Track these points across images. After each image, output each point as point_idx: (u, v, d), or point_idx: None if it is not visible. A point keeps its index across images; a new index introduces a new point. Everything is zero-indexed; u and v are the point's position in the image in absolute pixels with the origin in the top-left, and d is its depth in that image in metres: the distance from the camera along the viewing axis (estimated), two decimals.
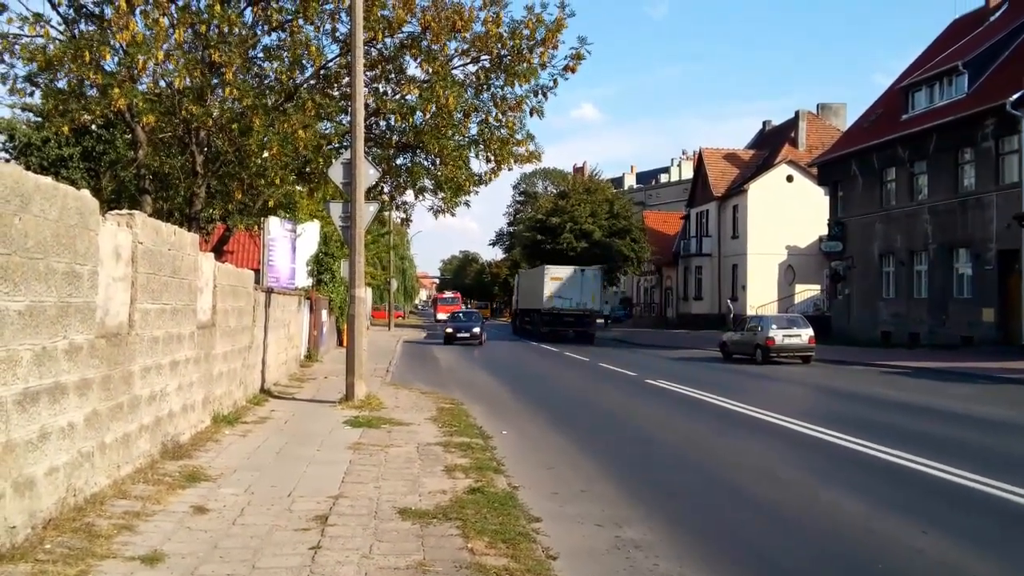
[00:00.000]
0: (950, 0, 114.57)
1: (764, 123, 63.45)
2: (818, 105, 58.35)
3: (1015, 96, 27.76)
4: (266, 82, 15.95)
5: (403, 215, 22.01)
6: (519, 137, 17.06)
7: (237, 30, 14.81)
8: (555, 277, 42.75)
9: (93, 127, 18.65)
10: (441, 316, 67.14)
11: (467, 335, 39.15)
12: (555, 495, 8.43)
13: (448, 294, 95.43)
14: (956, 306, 31.92)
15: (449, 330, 40.22)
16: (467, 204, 19.01)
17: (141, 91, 14.02)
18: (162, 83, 14.65)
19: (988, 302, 30.04)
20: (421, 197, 18.95)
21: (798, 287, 50.30)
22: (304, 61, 15.65)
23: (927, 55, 39.42)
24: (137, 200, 15.71)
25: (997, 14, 36.22)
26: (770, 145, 57.69)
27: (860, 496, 8.57)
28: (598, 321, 45.58)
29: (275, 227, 20.75)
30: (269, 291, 16.53)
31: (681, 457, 11.10)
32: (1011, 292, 28.87)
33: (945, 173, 32.66)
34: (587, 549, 6.62)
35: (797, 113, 55.61)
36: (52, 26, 14.20)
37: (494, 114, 17.03)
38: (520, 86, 16.47)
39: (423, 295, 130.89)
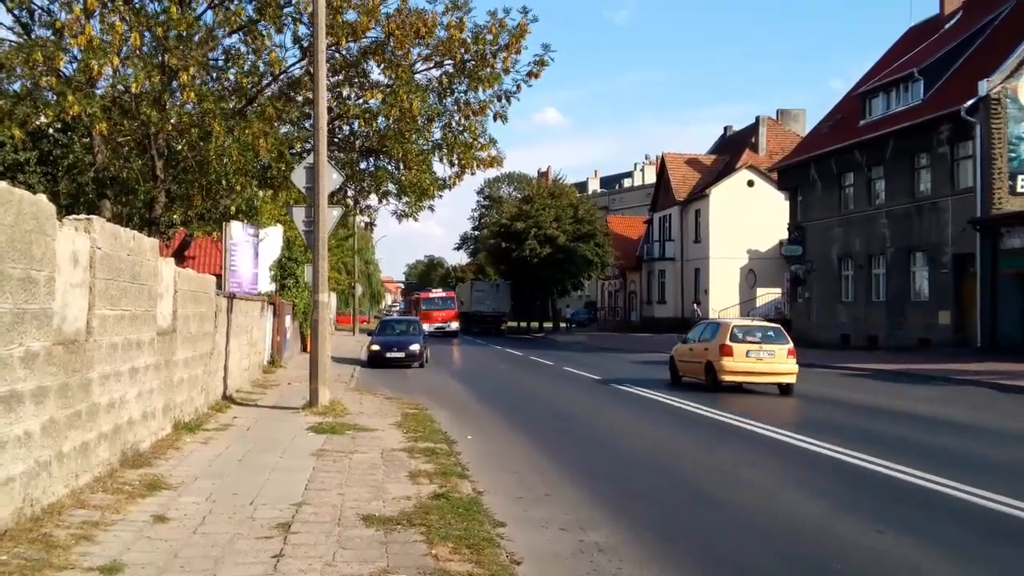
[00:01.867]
0: (906, 8, 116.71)
1: (725, 128, 64.14)
2: (778, 111, 59.16)
3: (969, 102, 28.34)
4: (227, 85, 15.81)
5: (367, 219, 21.94)
6: (482, 142, 17.08)
7: (196, 33, 14.67)
8: (479, 290, 64.15)
9: (50, 131, 18.34)
10: (426, 328, 37.39)
11: (400, 355, 26.65)
12: (520, 499, 8.44)
13: (437, 293, 61.99)
14: (913, 309, 32.48)
15: (375, 347, 27.26)
16: (431, 209, 18.99)
17: (98, 96, 13.83)
18: (120, 88, 14.46)
19: (944, 305, 30.61)
20: (385, 201, 18.89)
21: (759, 290, 50.87)
22: (264, 66, 15.54)
23: (884, 62, 40.11)
24: (95, 205, 15.47)
25: (952, 21, 36.95)
26: (731, 150, 58.33)
27: (819, 497, 8.70)
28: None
29: (237, 232, 20.56)
30: (231, 296, 16.38)
31: (644, 460, 11.16)
32: (966, 295, 29.44)
33: (902, 178, 33.24)
34: (551, 553, 6.64)
35: (758, 119, 56.33)
36: (5, 27, 13.99)
37: (457, 119, 17.04)
38: (484, 91, 16.50)
39: (388, 299, 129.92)
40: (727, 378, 18.51)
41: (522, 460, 10.85)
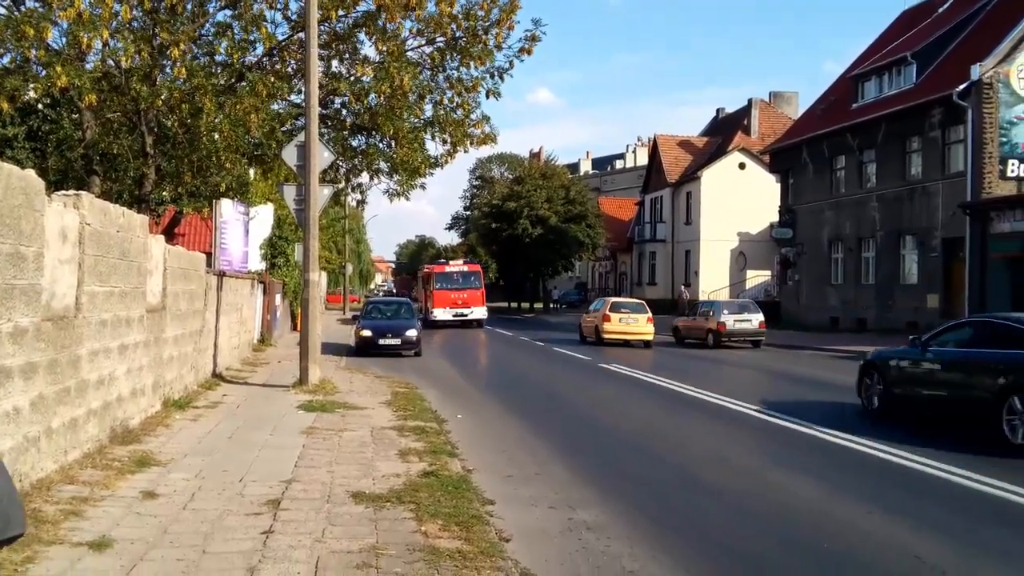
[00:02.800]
0: None
1: (718, 110, 64.01)
2: (770, 93, 59.01)
3: (961, 87, 28.31)
4: (217, 59, 15.68)
5: (358, 198, 21.83)
6: (475, 119, 17.00)
7: (188, 4, 14.54)
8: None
9: (39, 106, 18.18)
10: (440, 314, 39.16)
11: (395, 341, 23.63)
12: (509, 478, 8.49)
13: (456, 266, 43.76)
14: (902, 292, 32.60)
15: (366, 333, 24.02)
16: (423, 187, 18.88)
17: (87, 70, 13.71)
18: (110, 62, 14.34)
19: (933, 288, 30.73)
20: (376, 179, 18.81)
21: (749, 273, 50.96)
22: (254, 39, 15.41)
23: (877, 45, 40.02)
24: (85, 181, 15.37)
25: (946, 5, 36.83)
26: (723, 132, 58.24)
27: (807, 478, 8.77)
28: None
29: (227, 210, 20.49)
30: (221, 274, 16.33)
31: (634, 440, 11.22)
32: (955, 279, 29.56)
33: (893, 162, 33.27)
34: (540, 531, 6.69)
35: (750, 101, 56.19)
36: None
37: (450, 96, 16.95)
38: (476, 67, 16.41)
39: (379, 279, 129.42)
40: (607, 337, 27.57)
41: (512, 439, 10.89)
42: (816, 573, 6.02)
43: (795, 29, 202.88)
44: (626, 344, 27.71)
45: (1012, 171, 28.05)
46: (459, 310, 39.33)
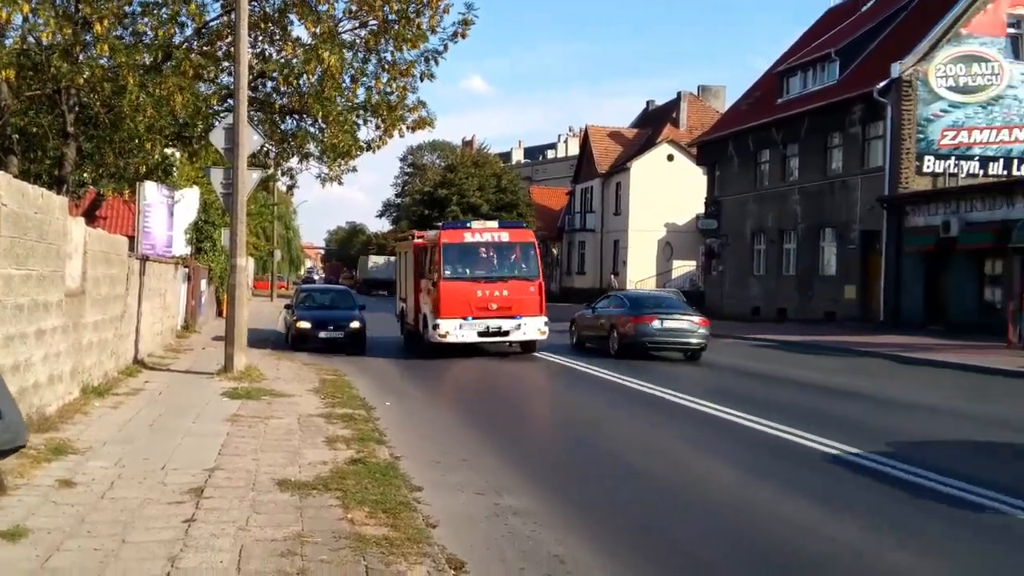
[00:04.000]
0: None
1: (648, 103, 64.71)
2: (699, 87, 59.91)
3: (881, 84, 29.19)
4: (143, 40, 15.26)
5: (288, 182, 21.47)
6: (410, 103, 16.92)
7: None
8: (375, 262, 74.72)
9: None
10: (450, 329, 19.17)
11: (338, 334, 20.91)
12: (437, 464, 8.52)
13: (489, 232, 20.37)
14: (821, 283, 33.55)
15: (304, 325, 20.94)
16: (354, 170, 18.78)
17: (6, 46, 13.23)
18: (30, 38, 13.85)
19: (851, 280, 31.70)
20: (307, 163, 18.59)
21: (675, 263, 51.79)
22: (184, 18, 15.06)
23: (802, 42, 40.97)
24: (2, 161, 14.83)
25: (868, 4, 37.88)
26: (653, 124, 58.93)
27: (731, 464, 9.00)
28: None
29: (152, 193, 20.02)
30: (144, 258, 15.96)
31: (561, 427, 11.36)
32: (871, 271, 30.55)
33: (816, 156, 34.14)
34: (467, 516, 6.74)
35: (679, 94, 56.99)
36: None
37: (385, 79, 16.82)
38: (409, 51, 16.33)
39: (308, 264, 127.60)
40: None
41: (440, 426, 10.93)
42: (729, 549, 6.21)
43: (724, 24, 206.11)
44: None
45: (928, 167, 29.07)
46: (493, 322, 19.36)
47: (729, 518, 6.94)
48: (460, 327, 18.84)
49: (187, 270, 23.51)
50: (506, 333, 19.25)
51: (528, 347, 19.93)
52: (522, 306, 19.23)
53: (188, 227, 25.76)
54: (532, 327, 19.25)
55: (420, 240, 22.09)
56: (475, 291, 19.01)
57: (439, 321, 18.76)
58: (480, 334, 19.11)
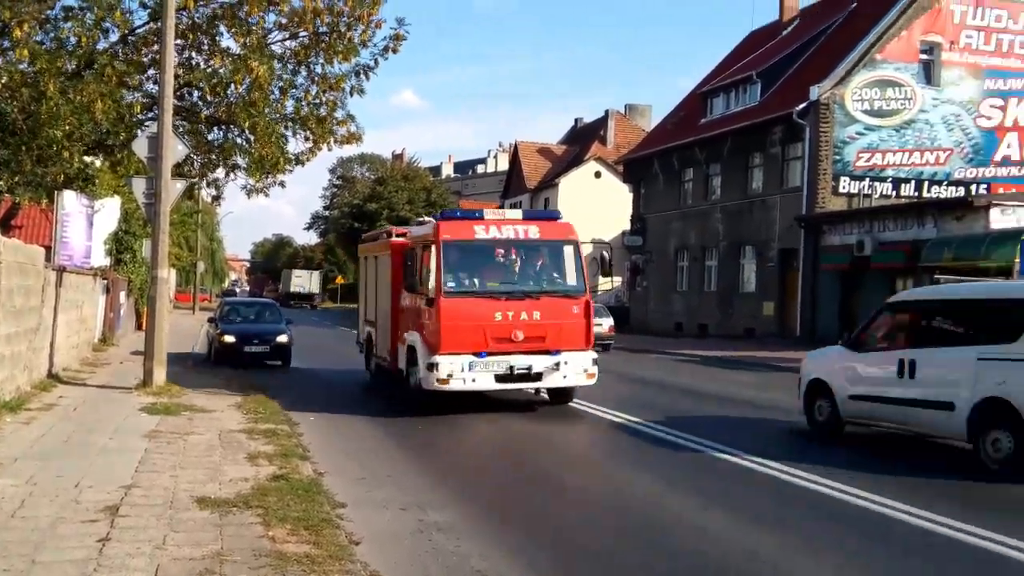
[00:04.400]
0: (748, 12, 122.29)
1: (576, 120, 65.54)
2: (626, 105, 61.01)
3: (800, 106, 30.12)
4: (66, 46, 14.89)
5: (213, 193, 21.11)
6: (339, 117, 16.85)
7: None
8: (297, 275, 77.52)
9: None
10: (453, 372, 12.63)
11: (263, 348, 20.54)
12: (361, 481, 8.50)
13: (509, 221, 13.73)
14: (741, 300, 34.35)
15: (229, 339, 20.39)
16: (282, 185, 18.56)
17: None
18: None
19: (770, 297, 32.53)
20: (233, 175, 18.35)
21: (602, 279, 52.35)
22: (109, 24, 14.76)
23: (726, 63, 42.00)
24: None
25: (789, 28, 39.10)
26: (581, 142, 59.69)
27: (649, 475, 9.16)
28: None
29: (70, 202, 19.51)
30: (61, 269, 15.51)
31: (485, 441, 11.41)
32: (789, 288, 31.40)
33: (737, 175, 34.98)
34: (391, 533, 6.74)
35: (607, 112, 57.90)
36: None
37: (314, 92, 16.72)
38: (340, 64, 16.28)
39: (232, 276, 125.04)
40: None
41: (365, 442, 10.88)
42: (646, 560, 6.34)
43: (653, 45, 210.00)
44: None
45: (844, 187, 30.05)
46: (520, 359, 13.03)
47: (651, 526, 7.07)
48: (470, 367, 12.60)
49: (106, 282, 22.92)
50: (538, 376, 13.00)
51: (562, 396, 14.07)
52: (561, 335, 12.98)
53: (108, 237, 25.13)
54: (576, 366, 13.05)
55: (401, 239, 15.65)
56: (492, 312, 12.74)
57: (438, 358, 12.53)
58: (500, 378, 12.79)
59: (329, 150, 17.28)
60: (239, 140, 17.48)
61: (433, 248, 12.96)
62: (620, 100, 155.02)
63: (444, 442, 11.26)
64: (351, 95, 16.51)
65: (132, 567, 5.27)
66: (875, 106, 30.18)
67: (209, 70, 16.15)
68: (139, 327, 28.12)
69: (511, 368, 12.75)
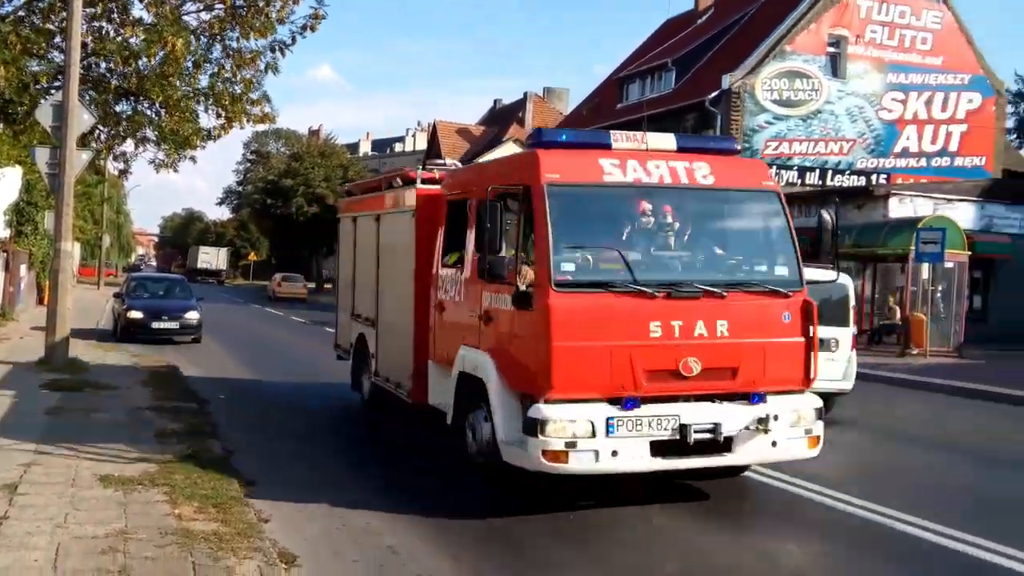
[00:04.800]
0: (665, 0, 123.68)
1: (495, 101, 65.50)
2: (544, 88, 61.15)
3: (713, 94, 30.79)
4: None
5: (121, 166, 20.45)
6: (254, 96, 16.52)
7: None
8: (205, 252, 77.60)
9: None
10: (577, 424, 6.48)
11: (172, 325, 20.18)
12: (270, 458, 8.47)
13: (627, 157, 7.23)
14: None
15: (135, 314, 19.98)
16: (193, 160, 18.10)
17: None
18: None
19: None
20: (142, 148, 17.87)
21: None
22: None
23: (642, 50, 42.50)
24: None
25: (704, 17, 39.80)
26: (500, 123, 59.76)
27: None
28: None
29: None
30: None
31: (397, 420, 11.47)
32: None
33: None
34: (302, 510, 6.76)
35: (525, 95, 58.00)
36: None
37: (229, 67, 16.35)
38: (256, 40, 15.95)
39: (140, 251, 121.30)
40: None
41: (274, 419, 10.83)
42: None
43: (572, 30, 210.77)
44: None
45: None
46: (692, 411, 6.85)
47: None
48: (607, 427, 6.63)
49: (5, 255, 22.10)
50: (727, 445, 6.95)
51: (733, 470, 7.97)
52: (763, 363, 7.21)
53: (8, 208, 24.12)
54: (786, 420, 7.15)
55: (432, 186, 9.33)
56: (645, 323, 6.87)
57: (546, 409, 6.62)
58: (661, 448, 6.80)
59: (241, 127, 16.98)
60: (149, 112, 17.04)
61: (525, 200, 7.08)
62: (539, 83, 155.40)
63: (354, 417, 11.24)
64: (266, 72, 16.19)
65: (31, 546, 5.20)
66: (784, 96, 31.07)
67: (120, 39, 15.65)
68: (40, 301, 27.15)
69: (682, 429, 6.77)
